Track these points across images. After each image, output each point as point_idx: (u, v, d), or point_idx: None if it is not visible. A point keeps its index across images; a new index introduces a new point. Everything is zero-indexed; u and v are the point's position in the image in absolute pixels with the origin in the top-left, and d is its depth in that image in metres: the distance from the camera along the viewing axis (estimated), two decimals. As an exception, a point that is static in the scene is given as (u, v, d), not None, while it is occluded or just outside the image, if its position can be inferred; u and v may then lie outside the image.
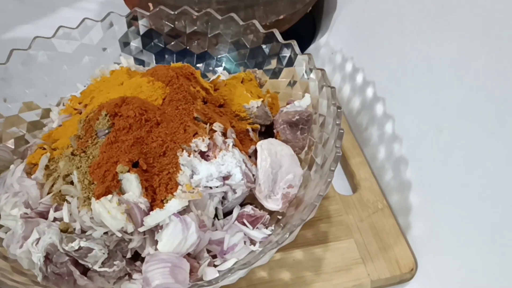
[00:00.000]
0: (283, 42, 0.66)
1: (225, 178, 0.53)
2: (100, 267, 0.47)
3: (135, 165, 0.50)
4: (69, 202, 0.50)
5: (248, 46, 0.70)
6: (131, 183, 0.49)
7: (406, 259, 0.59)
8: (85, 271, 0.48)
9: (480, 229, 0.51)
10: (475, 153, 0.51)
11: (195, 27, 0.70)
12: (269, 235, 0.53)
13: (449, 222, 0.55)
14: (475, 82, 0.51)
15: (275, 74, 0.69)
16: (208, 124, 0.55)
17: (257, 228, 0.54)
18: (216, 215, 0.54)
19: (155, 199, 0.50)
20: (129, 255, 0.49)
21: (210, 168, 0.52)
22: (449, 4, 0.55)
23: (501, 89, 0.48)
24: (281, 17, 0.77)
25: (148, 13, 0.69)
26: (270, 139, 0.58)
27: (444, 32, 0.56)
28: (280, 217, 0.55)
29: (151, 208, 0.49)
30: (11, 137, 0.61)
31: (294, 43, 0.65)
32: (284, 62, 0.67)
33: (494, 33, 0.49)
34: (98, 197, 0.47)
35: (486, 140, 0.50)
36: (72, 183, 0.51)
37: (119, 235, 0.47)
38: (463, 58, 0.53)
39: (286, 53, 0.66)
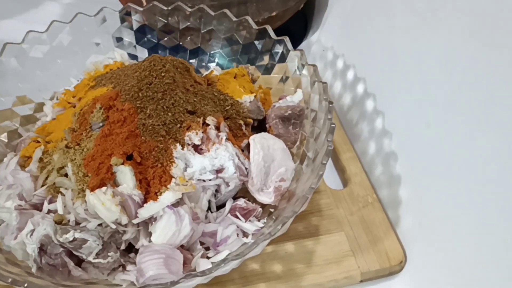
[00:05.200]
0: (276, 38, 0.66)
1: (218, 171, 0.54)
2: (94, 258, 0.47)
3: (129, 157, 0.51)
4: (63, 194, 0.50)
5: (241, 42, 0.70)
6: (125, 175, 0.49)
7: (395, 251, 0.60)
8: (79, 262, 0.49)
9: (467, 222, 0.52)
10: (462, 148, 0.52)
11: (188, 23, 0.71)
12: (262, 227, 0.53)
13: (438, 215, 0.56)
14: (463, 78, 0.52)
15: (268, 70, 0.69)
16: (202, 117, 0.55)
17: (250, 220, 0.54)
18: (209, 208, 0.55)
19: (149, 192, 0.50)
20: (123, 247, 0.50)
21: (203, 161, 0.53)
22: (437, 1, 0.56)
23: (488, 85, 0.49)
24: (274, 14, 0.78)
25: (141, 9, 0.69)
26: (263, 133, 0.59)
27: (433, 28, 0.57)
28: (272, 210, 0.56)
29: (145, 200, 0.50)
30: (4, 130, 0.61)
31: (287, 39, 0.65)
32: (277, 58, 0.68)
33: (481, 30, 0.50)
34: (92, 189, 0.48)
35: (474, 135, 0.51)
36: (66, 175, 0.52)
37: (113, 226, 0.48)
38: (451, 54, 0.54)
39: (279, 49, 0.67)
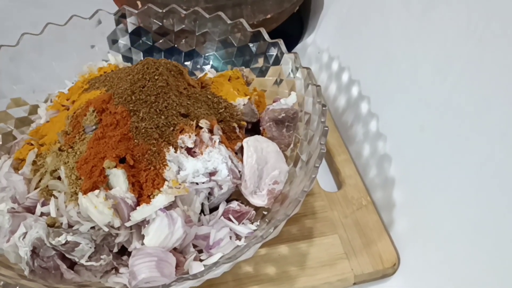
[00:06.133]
0: (270, 41, 0.66)
1: (211, 174, 0.54)
2: (87, 261, 0.47)
3: (122, 160, 0.51)
4: (56, 197, 0.50)
5: (236, 45, 0.70)
6: (118, 178, 0.49)
7: (389, 254, 0.60)
8: (72, 265, 0.49)
9: (461, 224, 0.52)
10: (457, 151, 0.52)
11: (183, 26, 0.71)
12: (255, 230, 0.53)
13: (431, 218, 0.56)
14: (458, 80, 0.52)
15: (262, 72, 0.69)
16: (195, 120, 0.56)
17: (243, 223, 0.54)
18: (202, 211, 0.55)
19: (142, 195, 0.50)
20: (115, 250, 0.50)
21: (196, 164, 0.53)
22: (433, 4, 0.56)
23: (482, 88, 0.49)
24: (269, 16, 0.78)
25: (136, 11, 0.69)
26: (256, 136, 0.59)
27: (428, 31, 0.57)
28: (265, 212, 0.56)
29: (138, 203, 0.50)
30: (-1, 133, 0.61)
31: (281, 42, 0.65)
32: (271, 61, 0.68)
33: (476, 33, 0.50)
34: (85, 192, 0.48)
35: (468, 138, 0.51)
36: (59, 178, 0.52)
37: (106, 229, 0.47)
38: (446, 57, 0.54)
39: (273, 51, 0.67)
